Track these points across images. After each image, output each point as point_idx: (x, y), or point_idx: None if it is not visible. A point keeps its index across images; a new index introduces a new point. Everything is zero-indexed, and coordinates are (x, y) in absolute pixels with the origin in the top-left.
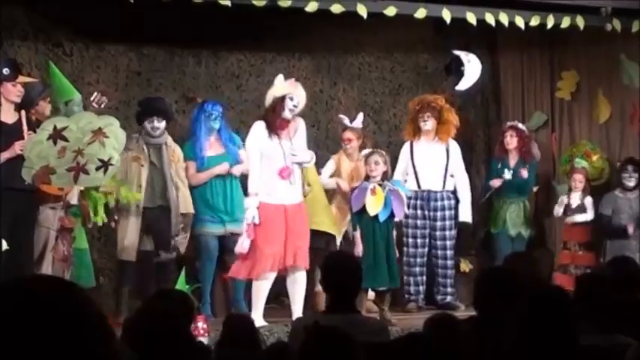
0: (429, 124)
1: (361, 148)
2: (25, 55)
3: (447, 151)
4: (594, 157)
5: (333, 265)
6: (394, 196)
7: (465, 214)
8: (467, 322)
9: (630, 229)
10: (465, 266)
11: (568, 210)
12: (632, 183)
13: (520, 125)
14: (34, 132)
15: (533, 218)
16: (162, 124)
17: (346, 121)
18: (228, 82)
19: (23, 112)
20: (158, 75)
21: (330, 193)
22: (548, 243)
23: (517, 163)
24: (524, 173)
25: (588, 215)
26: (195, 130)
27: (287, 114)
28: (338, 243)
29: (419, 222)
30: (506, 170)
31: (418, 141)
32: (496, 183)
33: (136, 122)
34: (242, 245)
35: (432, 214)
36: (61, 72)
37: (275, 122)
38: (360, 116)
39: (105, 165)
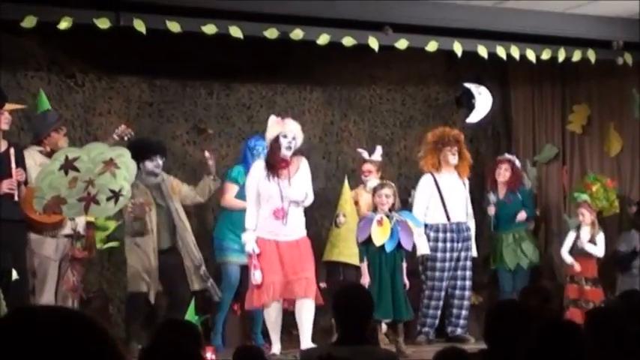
0: (456, 157)
1: (381, 179)
2: (39, 85)
3: (464, 185)
4: (594, 188)
5: (343, 296)
6: (402, 227)
7: (473, 250)
8: (477, 356)
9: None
10: (475, 299)
11: (578, 244)
12: None
13: (517, 161)
14: (24, 169)
15: (544, 251)
16: (162, 162)
17: (365, 154)
18: (240, 114)
19: (12, 150)
20: (170, 106)
21: None
22: (558, 276)
23: (505, 193)
24: (523, 215)
25: (599, 250)
26: (244, 158)
27: (285, 152)
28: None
29: (447, 255)
30: (491, 205)
31: (441, 173)
32: (491, 211)
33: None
34: (254, 277)
35: (459, 245)
36: (57, 103)
37: (274, 163)
38: (379, 149)
39: (116, 195)
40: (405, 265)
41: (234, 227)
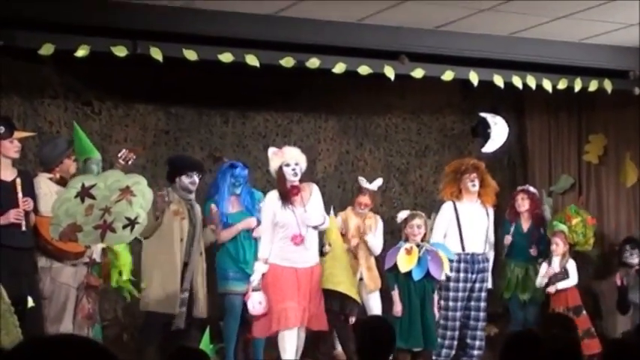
0: (476, 185)
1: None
2: (55, 113)
3: (487, 214)
4: (574, 221)
5: (368, 328)
6: (432, 257)
7: (489, 281)
8: None
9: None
10: (490, 330)
11: (551, 277)
12: (635, 260)
13: (531, 188)
14: (32, 198)
15: None
16: (198, 180)
17: (364, 182)
18: (255, 142)
19: (19, 179)
20: (186, 134)
21: (364, 253)
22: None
23: (530, 227)
24: (534, 251)
25: (571, 280)
26: (219, 188)
27: (291, 179)
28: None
29: (460, 285)
30: (509, 234)
31: (462, 202)
32: (507, 240)
33: (166, 179)
34: (254, 308)
35: (473, 276)
36: (84, 132)
37: (285, 191)
38: (379, 181)
39: (132, 223)
40: (435, 296)
41: (236, 255)
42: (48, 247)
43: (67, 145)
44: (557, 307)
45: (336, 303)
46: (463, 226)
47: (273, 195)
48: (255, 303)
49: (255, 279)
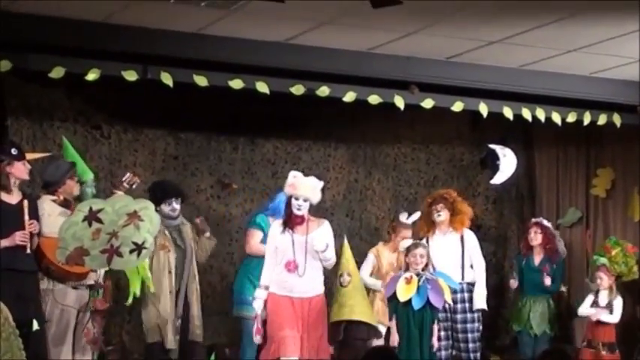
0: (442, 215)
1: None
2: (64, 136)
3: (462, 240)
4: (613, 252)
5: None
6: (432, 286)
7: (480, 302)
8: None
9: None
10: None
11: (596, 308)
12: None
13: (545, 222)
14: (37, 219)
15: (563, 315)
16: (179, 206)
17: (404, 218)
18: (264, 169)
19: (26, 202)
20: (194, 160)
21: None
22: (576, 341)
23: (542, 260)
24: (548, 281)
25: (614, 317)
26: (278, 209)
27: (296, 212)
28: (383, 333)
29: (441, 315)
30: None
31: (433, 235)
32: (513, 285)
33: None
34: (255, 337)
35: (452, 306)
36: (78, 152)
37: (290, 219)
38: (417, 214)
39: (139, 248)
40: (436, 327)
41: (254, 278)
42: (51, 268)
43: (69, 166)
44: (594, 338)
45: (363, 332)
46: (435, 259)
47: (277, 222)
48: (256, 337)
49: (256, 306)
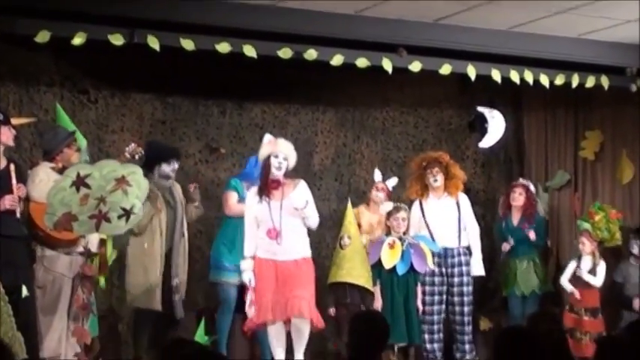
0: (439, 179)
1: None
2: (51, 101)
3: (458, 205)
4: (597, 218)
5: (361, 322)
6: (415, 250)
7: (477, 268)
8: None
9: (636, 304)
10: (485, 325)
11: (577, 273)
12: (634, 250)
13: (531, 186)
14: (24, 184)
15: (552, 279)
16: (177, 166)
17: (378, 176)
18: (252, 133)
19: (12, 166)
20: (182, 124)
21: None
22: (565, 304)
23: (520, 220)
24: (532, 235)
25: (597, 280)
26: (251, 178)
27: (275, 172)
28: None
29: (436, 279)
30: (509, 238)
31: (427, 199)
32: (505, 247)
33: (144, 165)
34: (249, 309)
35: (449, 270)
36: (69, 118)
37: (265, 185)
38: (395, 180)
39: (127, 213)
40: (419, 289)
41: (230, 244)
42: (40, 234)
43: (67, 134)
44: (576, 304)
45: (356, 296)
46: (431, 223)
47: (252, 191)
48: (251, 308)
49: (246, 278)
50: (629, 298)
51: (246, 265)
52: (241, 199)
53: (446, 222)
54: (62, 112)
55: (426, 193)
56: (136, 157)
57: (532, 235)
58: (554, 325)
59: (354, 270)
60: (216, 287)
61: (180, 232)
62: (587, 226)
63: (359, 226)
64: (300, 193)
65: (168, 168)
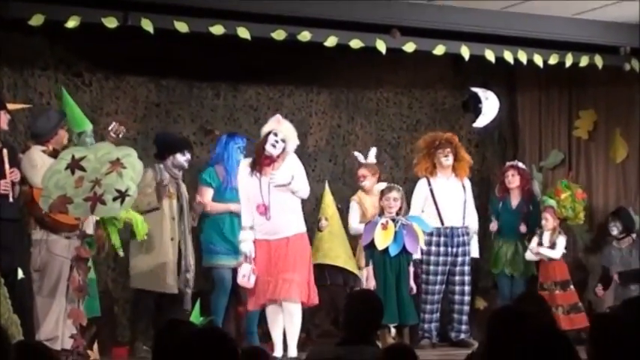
0: (450, 159)
1: (377, 182)
2: (45, 84)
3: (464, 187)
4: (563, 196)
5: (356, 300)
6: (407, 231)
7: (475, 251)
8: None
9: (615, 277)
10: (480, 303)
11: (537, 249)
12: (613, 232)
13: (520, 164)
14: (17, 168)
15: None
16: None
17: (360, 158)
18: (247, 115)
19: (5, 150)
20: (177, 107)
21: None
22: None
23: (519, 203)
24: (523, 228)
25: (556, 253)
26: (222, 158)
27: (269, 149)
28: (364, 279)
29: (440, 259)
30: (493, 221)
31: (436, 177)
32: (493, 227)
33: (157, 157)
34: (248, 280)
35: (454, 250)
36: (74, 102)
37: (258, 159)
38: (374, 151)
39: (122, 196)
40: (412, 269)
41: (222, 230)
42: (45, 219)
43: (60, 116)
44: (545, 280)
45: (338, 277)
46: (439, 201)
47: (244, 162)
48: (240, 275)
49: (245, 249)
50: (608, 278)
51: (245, 236)
52: (217, 192)
53: (453, 202)
54: (68, 98)
55: (435, 172)
56: (120, 135)
57: (523, 229)
58: (541, 306)
59: (331, 251)
60: (211, 271)
61: (187, 224)
62: (552, 202)
63: (364, 211)
64: (285, 169)
65: (183, 158)
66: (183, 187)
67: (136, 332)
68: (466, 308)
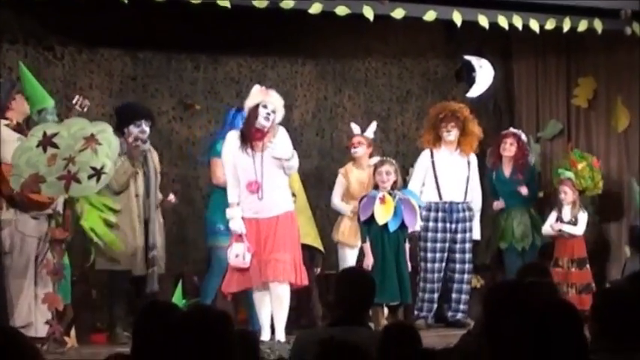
0: (452, 134)
1: (370, 157)
2: (14, 59)
3: (469, 163)
4: (579, 166)
5: (347, 279)
6: (405, 206)
7: (476, 232)
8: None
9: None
10: (477, 282)
11: (558, 226)
12: None
13: (523, 135)
14: None
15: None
16: (149, 129)
17: (357, 130)
18: (228, 88)
19: None
20: (154, 80)
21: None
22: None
23: (512, 171)
24: (524, 190)
25: (578, 229)
26: (237, 125)
27: (262, 122)
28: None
29: (439, 235)
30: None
31: (439, 150)
32: (498, 206)
33: (115, 131)
34: (243, 260)
35: (453, 226)
36: (34, 77)
37: (249, 132)
38: (373, 125)
39: (98, 173)
40: (407, 245)
41: (223, 209)
42: (15, 197)
43: (10, 83)
44: (561, 256)
45: (305, 255)
46: (439, 175)
47: (234, 135)
48: (232, 255)
49: (235, 226)
50: None
51: (233, 213)
52: None
53: (455, 177)
54: (27, 73)
55: (438, 144)
56: (85, 109)
57: (524, 190)
58: (543, 277)
59: (299, 229)
60: (212, 251)
61: (154, 200)
62: (569, 174)
63: (348, 185)
64: (282, 143)
65: (136, 130)
66: (152, 160)
67: (113, 317)
68: (466, 287)
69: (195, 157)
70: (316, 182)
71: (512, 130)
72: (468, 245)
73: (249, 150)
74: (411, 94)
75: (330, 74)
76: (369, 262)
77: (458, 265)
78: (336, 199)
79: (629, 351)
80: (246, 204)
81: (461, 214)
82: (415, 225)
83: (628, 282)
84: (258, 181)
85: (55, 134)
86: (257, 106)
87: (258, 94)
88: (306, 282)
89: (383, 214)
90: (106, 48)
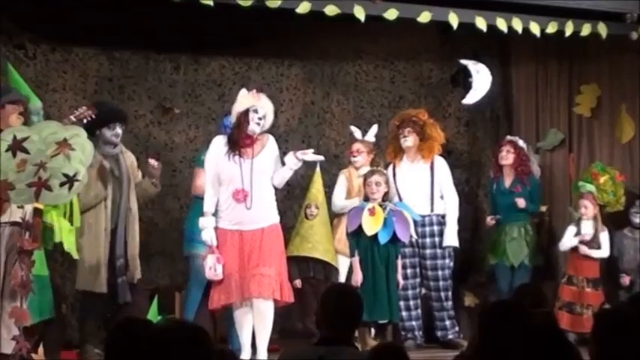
0: (409, 140)
1: (372, 164)
2: None
3: (432, 169)
4: (602, 179)
5: (333, 296)
6: (397, 218)
7: (450, 238)
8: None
9: (625, 281)
10: (470, 300)
11: (580, 241)
12: (637, 219)
13: (520, 142)
14: None
15: (544, 244)
16: (122, 132)
17: (357, 134)
18: (210, 91)
19: None
20: (131, 81)
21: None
22: (559, 277)
23: (512, 181)
24: (522, 202)
25: (603, 252)
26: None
27: (252, 127)
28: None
29: (407, 250)
30: (495, 209)
31: (400, 162)
32: (491, 222)
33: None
34: (215, 272)
35: (420, 241)
36: (20, 76)
37: (237, 139)
38: (374, 128)
39: (70, 180)
40: (399, 261)
41: None
42: None
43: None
44: (576, 274)
45: (320, 271)
46: (401, 189)
47: (219, 140)
48: (207, 268)
49: (206, 237)
50: (625, 272)
51: (206, 223)
52: None
53: (417, 188)
54: (14, 72)
55: (400, 156)
56: (84, 121)
57: (521, 202)
58: (538, 299)
59: (320, 244)
60: (189, 260)
61: (125, 206)
62: (591, 187)
63: (350, 188)
64: (270, 151)
65: (110, 133)
66: (124, 162)
67: (84, 334)
68: (447, 304)
69: (174, 164)
70: (301, 192)
71: (508, 137)
72: (439, 261)
73: (236, 157)
74: (404, 100)
75: (317, 77)
76: (357, 278)
77: (432, 283)
78: (339, 200)
79: None
80: (231, 214)
81: (427, 228)
82: (408, 238)
83: (629, 304)
84: (245, 189)
85: (26, 138)
86: (247, 111)
87: (248, 98)
88: (291, 299)
89: (371, 225)
90: (80, 47)
